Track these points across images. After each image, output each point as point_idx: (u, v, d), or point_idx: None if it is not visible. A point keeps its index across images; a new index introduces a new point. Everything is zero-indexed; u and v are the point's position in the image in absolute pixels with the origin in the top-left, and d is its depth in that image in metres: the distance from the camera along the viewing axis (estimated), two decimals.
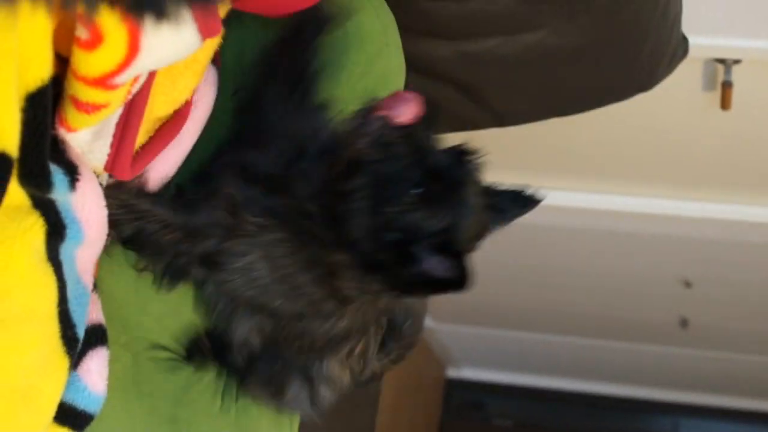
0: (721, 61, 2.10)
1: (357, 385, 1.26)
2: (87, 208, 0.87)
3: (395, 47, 1.27)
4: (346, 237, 0.99)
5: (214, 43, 1.00)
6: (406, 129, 0.98)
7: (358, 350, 1.21)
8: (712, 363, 4.10)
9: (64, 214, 0.85)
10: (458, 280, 0.99)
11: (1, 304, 0.79)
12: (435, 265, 0.99)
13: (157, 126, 0.99)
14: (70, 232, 0.86)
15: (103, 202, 0.90)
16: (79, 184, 0.87)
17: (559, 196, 2.62)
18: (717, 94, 2.13)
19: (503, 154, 2.60)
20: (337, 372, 1.20)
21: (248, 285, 1.06)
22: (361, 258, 0.99)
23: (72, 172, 0.86)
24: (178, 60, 0.87)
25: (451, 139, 1.07)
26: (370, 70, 1.21)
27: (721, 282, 3.14)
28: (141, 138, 0.96)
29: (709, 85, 2.16)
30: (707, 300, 3.33)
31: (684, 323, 3.59)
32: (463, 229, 0.99)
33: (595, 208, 2.63)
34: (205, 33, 0.81)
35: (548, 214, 2.67)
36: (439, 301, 3.88)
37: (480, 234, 1.05)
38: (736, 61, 2.08)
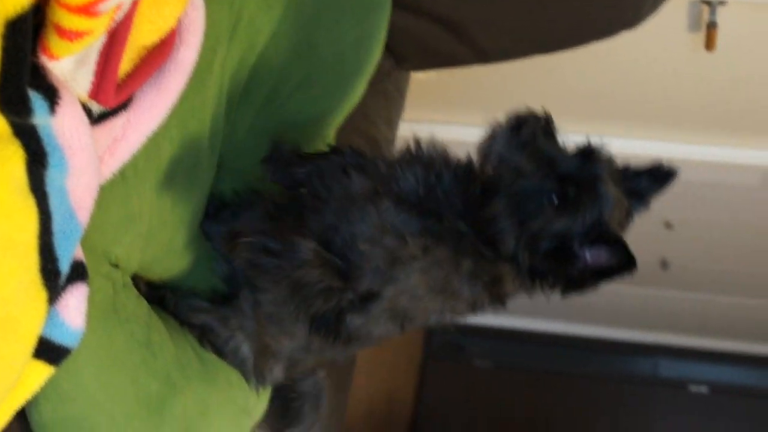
0: (707, 2, 2.09)
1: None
2: (69, 133, 0.87)
3: None
4: (503, 254, 1.06)
5: None
6: (528, 144, 1.05)
7: (302, 367, 1.31)
8: (692, 304, 4.14)
9: (45, 141, 0.84)
10: (626, 263, 1.05)
11: None
12: (597, 256, 1.05)
13: (142, 54, 0.98)
14: (52, 160, 0.85)
15: (87, 129, 0.90)
16: (59, 108, 0.86)
17: None
18: (702, 35, 2.13)
19: (485, 96, 2.60)
20: (276, 373, 1.30)
21: (411, 303, 1.14)
22: (523, 268, 1.06)
23: (52, 96, 0.85)
24: None
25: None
26: None
27: (701, 224, 3.15)
28: (126, 66, 0.95)
29: (694, 25, 2.15)
30: (688, 241, 3.35)
31: (664, 265, 3.61)
32: (608, 219, 1.05)
33: None
34: None
35: None
36: None
37: (626, 216, 1.12)
38: (722, 2, 2.08)
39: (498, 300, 1.15)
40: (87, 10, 0.80)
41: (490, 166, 1.06)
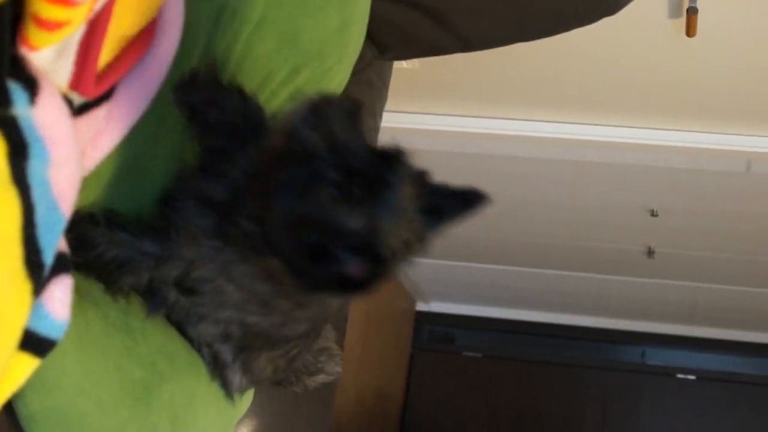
0: None
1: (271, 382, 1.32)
2: (49, 124, 0.86)
3: None
4: (269, 239, 0.97)
5: None
6: (323, 128, 0.95)
7: (292, 353, 1.25)
8: (678, 292, 4.16)
9: (26, 132, 0.84)
10: (362, 283, 0.94)
11: None
12: (355, 266, 0.94)
13: (123, 45, 0.98)
14: (33, 150, 0.85)
15: (68, 119, 0.90)
16: (40, 99, 0.85)
17: (524, 126, 2.62)
18: (682, 21, 2.13)
19: (470, 85, 2.60)
20: (261, 366, 1.23)
21: (222, 306, 1.08)
22: (285, 260, 0.96)
23: (32, 87, 0.85)
24: None
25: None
26: None
27: (686, 211, 3.16)
28: (106, 56, 0.95)
29: (674, 12, 2.16)
30: (673, 229, 3.36)
31: (650, 253, 3.63)
32: (383, 230, 0.94)
33: (560, 138, 2.63)
34: None
35: (514, 145, 2.68)
36: None
37: (416, 238, 1.00)
38: None
39: (296, 303, 1.07)
40: (65, 0, 0.80)
41: (280, 143, 0.97)
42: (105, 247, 1.05)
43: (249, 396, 1.35)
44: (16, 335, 0.86)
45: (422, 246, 1.01)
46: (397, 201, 0.94)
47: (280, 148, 0.96)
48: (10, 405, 1.01)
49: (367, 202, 0.93)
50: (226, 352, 1.19)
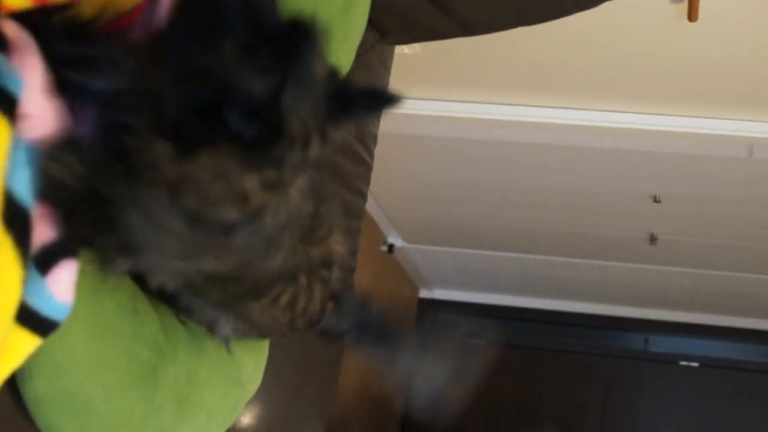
0: None
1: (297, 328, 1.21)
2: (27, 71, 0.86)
3: None
4: (151, 100, 0.82)
5: None
6: None
7: (283, 300, 1.14)
8: (681, 279, 4.15)
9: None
10: (250, 150, 0.82)
11: None
12: (244, 128, 0.81)
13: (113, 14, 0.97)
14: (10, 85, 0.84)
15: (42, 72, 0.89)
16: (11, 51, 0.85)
17: (526, 112, 2.62)
18: (684, 6, 2.13)
19: (468, 71, 2.60)
20: (256, 314, 1.15)
21: (164, 256, 0.95)
22: (167, 115, 0.81)
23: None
24: None
25: None
26: None
27: (689, 197, 3.16)
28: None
29: None
30: (676, 216, 3.36)
31: (653, 239, 3.62)
32: (290, 100, 0.81)
33: (563, 124, 2.63)
34: None
35: (516, 131, 2.68)
36: (409, 223, 3.90)
37: (314, 126, 0.88)
38: None
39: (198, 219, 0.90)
40: None
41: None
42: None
43: (258, 377, 1.35)
44: (9, 304, 0.85)
45: (320, 140, 0.89)
46: (308, 74, 0.84)
47: (175, 2, 0.83)
48: (17, 390, 1.01)
49: (274, 67, 0.80)
50: (210, 309, 1.14)
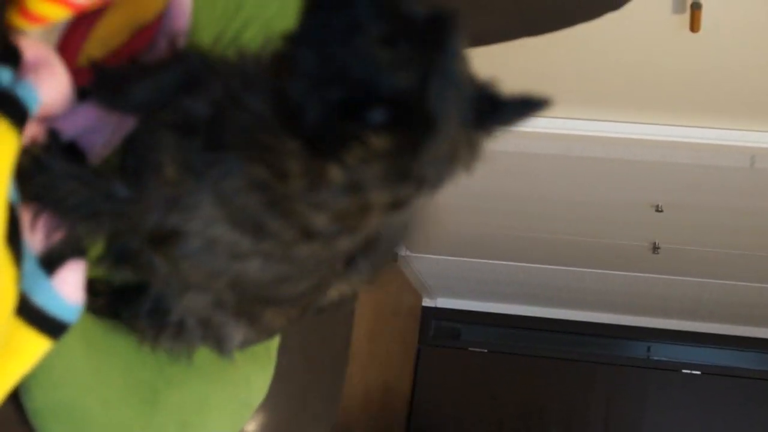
0: None
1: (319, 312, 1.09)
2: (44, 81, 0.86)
3: None
4: (286, 107, 0.76)
5: None
6: None
7: (303, 303, 1.06)
8: (683, 288, 4.15)
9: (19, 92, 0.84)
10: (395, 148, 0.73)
11: None
12: (380, 118, 0.73)
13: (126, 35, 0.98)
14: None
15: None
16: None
17: (528, 122, 2.62)
18: (686, 17, 2.14)
19: None
20: (269, 318, 1.06)
21: (211, 253, 0.88)
22: (304, 131, 0.75)
23: (14, 60, 0.85)
24: None
25: None
26: None
27: (691, 207, 3.16)
28: (100, 50, 0.96)
29: (678, 7, 2.16)
30: (678, 225, 3.36)
31: (655, 249, 3.63)
32: (437, 93, 0.72)
33: (566, 134, 2.63)
34: None
35: (519, 141, 2.68)
36: (413, 232, 3.90)
37: (463, 132, 0.78)
38: None
39: (298, 226, 0.84)
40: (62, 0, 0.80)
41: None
42: (60, 180, 0.88)
43: (264, 391, 1.35)
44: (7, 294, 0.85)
45: (471, 150, 0.80)
46: (453, 67, 0.75)
47: (305, 4, 0.77)
48: (18, 399, 1.01)
49: (416, 59, 0.73)
50: (220, 315, 1.01)
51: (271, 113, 0.78)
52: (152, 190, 0.84)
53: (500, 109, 0.81)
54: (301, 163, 0.77)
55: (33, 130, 0.88)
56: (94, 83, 0.93)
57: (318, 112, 0.73)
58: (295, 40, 0.76)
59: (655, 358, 4.77)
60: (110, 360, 1.05)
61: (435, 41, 0.73)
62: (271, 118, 0.78)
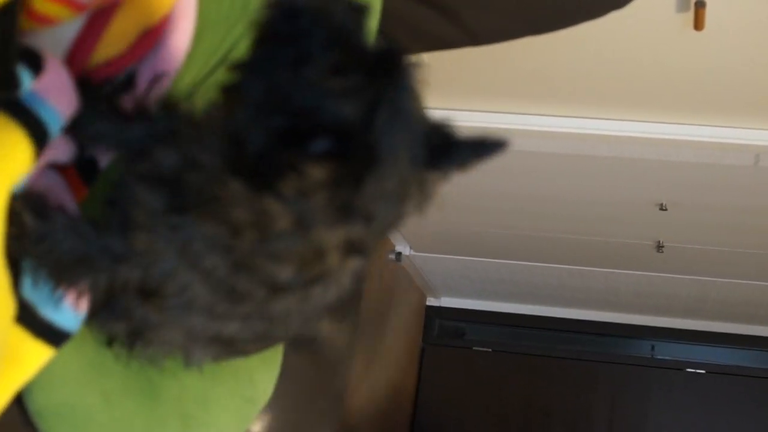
0: None
1: None
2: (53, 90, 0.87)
3: None
4: (233, 144, 0.73)
5: None
6: (325, 7, 0.72)
7: None
8: (687, 286, 4.16)
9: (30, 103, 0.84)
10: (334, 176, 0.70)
11: None
12: (322, 146, 0.69)
13: (129, 39, 0.99)
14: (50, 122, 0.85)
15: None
16: (44, 73, 0.86)
17: (533, 121, 2.63)
18: (690, 15, 2.14)
19: (476, 79, 2.61)
20: (246, 348, 1.07)
21: (190, 310, 0.88)
22: (246, 165, 0.72)
23: (36, 65, 0.86)
24: None
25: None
26: None
27: (695, 205, 3.16)
28: (112, 49, 0.96)
29: (682, 5, 2.16)
30: (682, 223, 3.36)
31: (659, 247, 3.63)
32: (385, 125, 0.69)
33: (569, 133, 2.64)
34: None
35: (523, 140, 2.68)
36: (416, 231, 3.91)
37: (415, 171, 0.74)
38: None
39: (262, 278, 0.81)
40: (68, 1, 0.81)
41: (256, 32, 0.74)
42: (62, 236, 0.87)
43: (270, 391, 1.35)
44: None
45: (422, 189, 0.76)
46: (404, 98, 0.72)
47: (256, 36, 0.74)
48: (21, 401, 1.02)
49: (365, 88, 0.69)
50: (193, 345, 1.01)
51: (220, 161, 0.76)
52: (132, 246, 0.84)
53: (455, 149, 0.77)
54: (247, 209, 0.74)
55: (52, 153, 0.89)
56: (81, 96, 0.92)
57: (260, 142, 0.70)
58: (244, 69, 0.73)
59: (659, 356, 4.77)
60: (104, 351, 1.05)
61: (386, 74, 0.70)
62: (219, 166, 0.76)
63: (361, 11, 0.73)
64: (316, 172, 0.69)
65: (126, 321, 0.94)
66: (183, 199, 0.81)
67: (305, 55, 0.70)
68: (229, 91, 0.74)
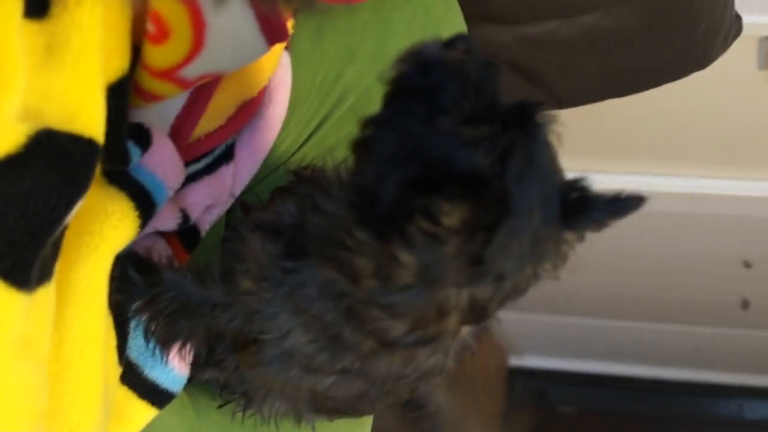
0: None
1: None
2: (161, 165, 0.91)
3: (457, 12, 1.29)
4: (362, 198, 0.72)
5: None
6: (460, 63, 0.71)
7: None
8: None
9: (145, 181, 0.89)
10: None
11: None
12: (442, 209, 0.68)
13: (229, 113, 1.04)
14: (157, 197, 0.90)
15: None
16: (152, 148, 0.91)
17: (615, 180, 2.63)
18: None
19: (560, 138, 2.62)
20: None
21: (286, 360, 0.87)
22: (376, 218, 0.70)
23: (145, 141, 0.90)
24: (244, 64, 0.91)
25: None
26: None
27: None
28: (211, 123, 1.01)
29: (763, 63, 2.17)
30: None
31: (745, 304, 3.58)
32: (517, 177, 0.67)
33: (653, 191, 2.63)
34: (270, 36, 0.85)
35: None
36: None
37: (548, 228, 0.71)
38: None
39: (373, 335, 0.79)
40: (169, 75, 0.85)
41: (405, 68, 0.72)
42: (168, 286, 0.90)
43: None
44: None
45: (558, 249, 0.75)
46: (539, 155, 0.71)
47: (389, 90, 0.74)
48: None
49: (501, 140, 0.68)
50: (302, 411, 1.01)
51: (346, 210, 0.76)
52: (238, 297, 0.86)
53: (590, 207, 0.75)
54: (371, 258, 0.73)
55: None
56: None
57: (390, 192, 0.69)
58: (376, 123, 0.73)
59: (749, 416, 4.67)
60: (203, 420, 1.08)
61: (520, 125, 0.70)
62: (345, 215, 0.76)
63: (494, 67, 0.74)
64: (448, 217, 0.68)
65: (220, 370, 0.96)
66: (301, 247, 0.80)
67: (439, 108, 0.69)
68: (359, 145, 0.74)
